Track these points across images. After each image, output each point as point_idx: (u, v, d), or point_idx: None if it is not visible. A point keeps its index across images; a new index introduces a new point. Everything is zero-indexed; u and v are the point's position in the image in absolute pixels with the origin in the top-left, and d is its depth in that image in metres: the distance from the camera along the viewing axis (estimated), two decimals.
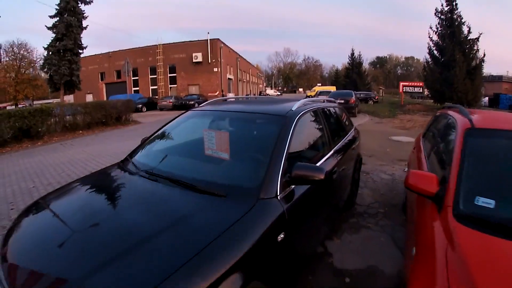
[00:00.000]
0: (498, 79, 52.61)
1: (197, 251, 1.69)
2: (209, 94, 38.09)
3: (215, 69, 41.88)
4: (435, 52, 27.85)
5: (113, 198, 2.53)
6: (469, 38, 25.65)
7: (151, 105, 33.40)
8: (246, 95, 57.82)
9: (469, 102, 25.10)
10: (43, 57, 29.60)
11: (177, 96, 35.19)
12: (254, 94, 65.45)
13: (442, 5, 26.88)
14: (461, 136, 2.62)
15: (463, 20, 25.85)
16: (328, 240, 3.99)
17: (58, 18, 26.86)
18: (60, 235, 2.00)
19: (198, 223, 1.99)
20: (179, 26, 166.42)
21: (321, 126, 3.66)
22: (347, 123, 5.09)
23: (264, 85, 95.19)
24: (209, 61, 41.41)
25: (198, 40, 42.21)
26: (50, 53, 27.33)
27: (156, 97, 39.62)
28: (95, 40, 60.47)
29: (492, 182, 2.29)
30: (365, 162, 7.44)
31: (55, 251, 1.85)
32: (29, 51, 54.12)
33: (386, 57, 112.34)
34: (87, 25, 28.52)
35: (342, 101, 20.04)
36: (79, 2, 27.41)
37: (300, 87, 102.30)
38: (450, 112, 3.69)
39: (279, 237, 2.16)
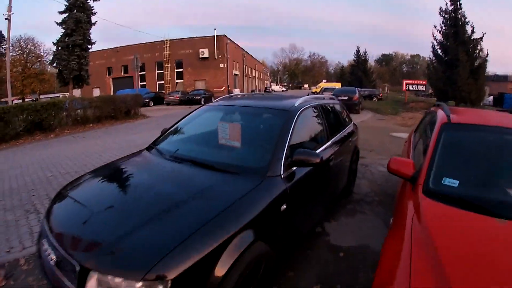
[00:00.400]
0: (504, 78, 52.71)
1: (217, 213, 2.18)
2: (215, 89, 38.50)
3: (221, 65, 42.27)
4: (439, 51, 27.85)
5: (146, 175, 3.01)
6: (472, 38, 25.62)
7: (158, 99, 33.92)
8: (252, 90, 58.16)
9: (472, 101, 25.13)
10: (50, 52, 30.08)
11: (184, 91, 35.67)
12: (260, 90, 65.70)
13: (446, 5, 26.89)
14: (437, 129, 3.10)
15: (467, 20, 25.79)
16: (327, 222, 4.44)
17: (67, 14, 27.28)
18: (103, 205, 2.48)
19: (218, 193, 2.49)
20: (186, 22, 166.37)
21: (320, 120, 4.14)
22: (345, 118, 5.52)
23: (270, 81, 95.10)
24: (216, 57, 41.80)
25: (205, 36, 42.60)
26: (60, 48, 27.81)
27: (163, 92, 40.17)
28: (102, 35, 61.02)
29: (459, 166, 2.76)
30: (365, 156, 7.87)
31: (98, 218, 2.31)
32: (36, 45, 54.70)
33: (391, 54, 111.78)
34: (96, 21, 29.00)
35: (346, 98, 20.29)
36: None
37: (306, 83, 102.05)
38: (436, 110, 4.12)
39: (282, 207, 2.66)
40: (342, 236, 4.12)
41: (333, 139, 4.26)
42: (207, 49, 41.59)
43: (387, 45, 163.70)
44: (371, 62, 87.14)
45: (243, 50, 54.87)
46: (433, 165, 2.67)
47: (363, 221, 4.58)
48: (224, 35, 42.56)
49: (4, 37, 45.99)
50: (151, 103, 32.16)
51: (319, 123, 4.11)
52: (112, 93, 39.79)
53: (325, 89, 31.54)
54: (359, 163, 6.74)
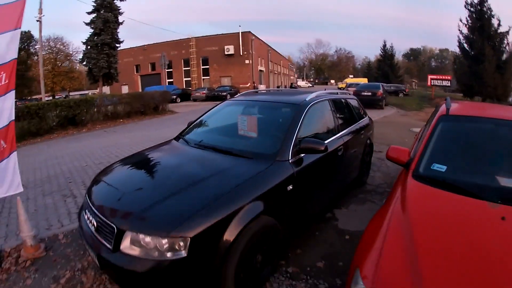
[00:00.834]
0: None
1: (230, 188, 2.69)
2: (241, 85, 38.86)
3: (247, 61, 42.58)
4: (465, 45, 27.39)
5: (174, 159, 3.57)
6: (499, 31, 25.10)
7: (185, 96, 34.68)
8: (277, 86, 58.37)
9: (498, 97, 24.65)
10: (79, 50, 31.04)
11: (210, 88, 36.24)
12: (285, 86, 65.67)
13: None
14: (435, 121, 3.37)
15: (493, 13, 25.25)
16: (337, 209, 4.74)
17: (95, 14, 28.20)
18: (136, 183, 3.09)
19: (233, 172, 2.98)
20: (211, 19, 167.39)
21: (330, 113, 4.48)
22: (359, 113, 5.80)
23: (296, 76, 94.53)
24: (241, 54, 42.12)
25: (230, 33, 42.96)
26: (89, 47, 28.78)
27: (190, 88, 40.89)
28: (130, 33, 62.26)
29: (450, 154, 3.03)
30: (382, 150, 8.07)
31: (132, 193, 2.85)
32: (65, 45, 56.49)
33: (420, 49, 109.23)
34: (123, 20, 29.79)
35: (369, 94, 20.28)
36: None
37: (332, 79, 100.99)
38: (441, 103, 4.37)
39: (288, 188, 3.07)
40: (350, 221, 4.41)
41: (343, 131, 4.57)
42: (232, 46, 41.96)
43: (416, 39, 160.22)
44: (399, 56, 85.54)
45: (269, 46, 54.99)
46: (425, 152, 2.96)
47: (371, 209, 4.84)
48: (249, 32, 42.82)
49: (33, 37, 47.83)
50: (178, 99, 32.89)
51: (329, 116, 4.45)
52: (140, 90, 40.73)
53: (350, 85, 31.52)
54: (376, 157, 6.99)
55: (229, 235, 2.41)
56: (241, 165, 3.12)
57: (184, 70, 46.13)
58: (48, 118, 13.55)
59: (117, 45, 29.79)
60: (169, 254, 2.25)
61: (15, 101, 3.55)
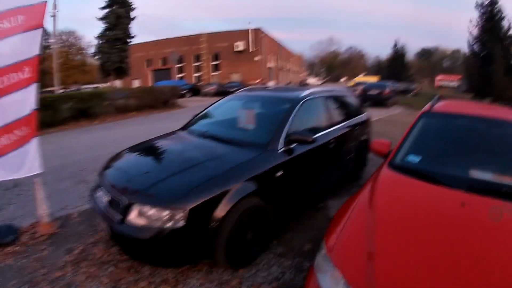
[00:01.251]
0: None
1: (227, 169, 3.15)
2: (250, 82, 39.13)
3: (257, 58, 42.88)
4: (475, 46, 27.25)
5: (178, 146, 4.03)
6: (509, 33, 25.00)
7: (195, 91, 35.03)
8: (288, 83, 58.48)
9: (509, 98, 24.51)
10: (91, 44, 31.57)
11: (220, 84, 36.57)
12: (295, 83, 65.71)
13: None
14: (417, 117, 3.67)
15: (503, 15, 25.18)
16: (330, 200, 5.06)
17: (108, 10, 28.78)
18: (145, 164, 3.66)
19: (228, 157, 3.39)
20: (222, 15, 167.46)
21: (323, 109, 4.83)
22: (355, 110, 6.10)
23: (306, 74, 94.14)
24: (251, 50, 42.44)
25: (240, 30, 43.29)
26: (101, 42, 29.41)
27: (200, 83, 41.22)
28: (142, 29, 62.71)
29: (426, 147, 3.32)
30: None
31: (140, 174, 3.31)
32: (77, 39, 57.26)
33: (432, 48, 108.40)
34: (135, 16, 30.35)
35: (376, 92, 20.46)
36: None
37: (343, 77, 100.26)
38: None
39: (277, 174, 3.45)
40: None
41: (336, 126, 4.90)
42: (242, 42, 42.30)
43: (429, 39, 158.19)
44: (411, 55, 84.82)
45: (279, 43, 55.16)
46: (403, 145, 3.26)
47: None
48: (259, 29, 43.08)
49: (47, 31, 48.52)
50: (188, 95, 33.30)
51: (322, 111, 4.79)
52: (151, 85, 41.27)
53: (358, 83, 31.66)
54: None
55: (221, 210, 2.83)
56: (236, 152, 3.51)
57: (194, 65, 46.56)
58: (61, 110, 14.00)
59: (129, 40, 30.42)
60: (169, 223, 2.66)
61: None
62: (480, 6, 26.40)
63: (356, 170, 5.91)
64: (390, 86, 22.59)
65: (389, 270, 1.78)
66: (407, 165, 2.97)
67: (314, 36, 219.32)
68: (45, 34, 48.50)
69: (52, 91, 23.55)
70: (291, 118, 3.91)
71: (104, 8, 28.92)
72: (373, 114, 12.26)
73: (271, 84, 42.20)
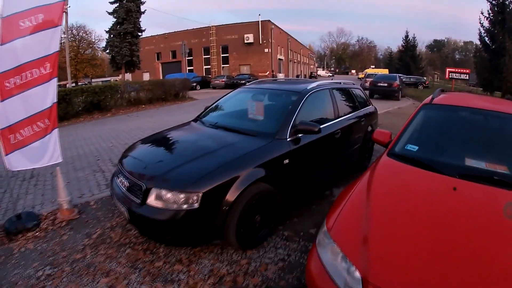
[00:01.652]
0: None
1: (238, 156, 3.37)
2: (260, 74, 39.20)
3: (266, 50, 42.82)
4: (486, 39, 26.76)
5: (192, 136, 4.25)
6: None
7: (204, 83, 35.35)
8: (297, 75, 58.38)
9: None
10: (101, 38, 31.77)
11: (229, 76, 36.72)
12: (305, 75, 65.53)
13: None
14: (418, 108, 3.82)
15: None
16: (336, 187, 5.25)
17: (118, 4, 29.02)
18: (162, 152, 4.00)
19: (239, 146, 3.60)
20: (231, 7, 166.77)
21: (330, 101, 4.98)
22: (362, 101, 6.25)
23: (316, 65, 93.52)
24: (260, 42, 42.35)
25: (250, 22, 43.20)
26: (112, 36, 29.72)
27: (210, 76, 41.52)
28: (151, 22, 62.87)
29: (424, 137, 3.48)
30: None
31: (156, 161, 3.58)
32: (87, 33, 57.61)
33: (444, 40, 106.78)
34: (145, 10, 30.54)
35: (386, 85, 20.38)
36: None
37: (353, 69, 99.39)
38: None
39: (284, 161, 3.66)
40: None
41: (342, 117, 5.07)
42: (252, 35, 42.23)
43: (440, 30, 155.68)
44: (422, 47, 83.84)
45: (288, 34, 54.98)
46: (403, 135, 3.42)
47: None
48: (269, 21, 42.97)
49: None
50: (198, 87, 33.57)
51: (328, 103, 4.95)
52: (161, 77, 41.56)
53: (368, 75, 31.57)
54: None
55: (232, 194, 3.07)
56: (246, 141, 3.72)
57: (204, 58, 46.68)
58: (74, 103, 14.34)
59: (139, 33, 30.60)
60: (185, 206, 2.91)
61: None
62: None
63: (362, 160, 6.06)
64: (400, 78, 22.44)
65: (382, 244, 1.99)
66: (405, 154, 3.12)
67: (324, 27, 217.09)
68: None
69: (64, 85, 24.00)
70: (298, 109, 4.11)
71: (114, 2, 29.14)
72: (382, 106, 12.38)
73: (280, 76, 42.26)
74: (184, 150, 3.76)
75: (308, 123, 3.92)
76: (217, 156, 3.39)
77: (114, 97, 16.44)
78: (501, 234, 2.00)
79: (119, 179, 3.58)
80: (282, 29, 50.48)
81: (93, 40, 57.79)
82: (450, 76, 30.59)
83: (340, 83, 5.84)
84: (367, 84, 23.29)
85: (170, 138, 4.28)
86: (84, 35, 57.00)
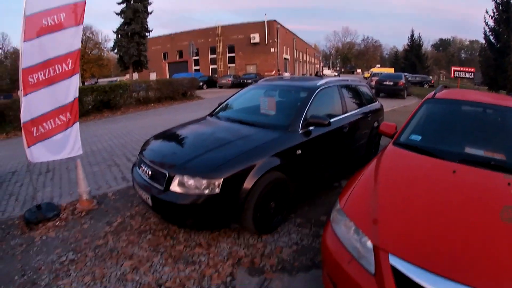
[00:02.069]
0: None
1: (254, 146, 3.61)
2: (266, 73, 39.34)
3: (272, 50, 42.97)
4: (491, 37, 26.69)
5: (209, 129, 4.49)
6: None
7: (211, 83, 35.60)
8: (303, 74, 58.44)
9: None
10: (107, 39, 31.96)
11: (236, 75, 36.91)
12: (310, 74, 65.49)
13: None
14: (421, 102, 4.04)
15: None
16: (344, 180, 5.40)
17: (125, 5, 29.33)
18: (183, 143, 4.15)
19: (254, 137, 3.83)
20: (237, 7, 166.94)
21: (338, 97, 5.18)
22: (368, 98, 6.42)
23: (321, 65, 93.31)
24: (266, 42, 42.50)
25: (256, 22, 43.36)
26: (120, 36, 30.06)
27: (216, 76, 41.75)
28: (157, 22, 63.19)
29: (427, 127, 3.68)
30: None
31: (181, 150, 3.92)
32: (94, 33, 58.20)
33: (449, 39, 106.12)
34: (152, 10, 30.86)
35: (391, 83, 20.44)
36: None
37: (359, 68, 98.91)
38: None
39: (297, 152, 3.86)
40: None
41: (350, 112, 5.25)
42: (257, 34, 42.38)
43: (446, 29, 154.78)
44: (427, 46, 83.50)
45: (294, 34, 55.08)
46: (407, 126, 3.63)
47: None
48: (275, 20, 43.10)
49: None
50: (205, 86, 33.78)
51: (337, 99, 5.14)
52: (167, 77, 41.80)
53: (374, 74, 31.63)
54: (387, 140, 7.53)
55: (249, 181, 3.29)
56: (260, 133, 3.93)
57: (210, 57, 46.91)
58: (84, 102, 14.59)
59: (147, 33, 30.88)
60: (206, 191, 3.14)
61: None
62: None
63: (368, 154, 6.19)
64: (405, 77, 22.46)
65: (389, 217, 2.22)
66: (410, 143, 3.34)
67: (329, 27, 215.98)
68: None
69: None
70: (309, 103, 4.32)
71: (121, 3, 29.45)
72: (388, 105, 12.48)
73: (286, 75, 42.34)
74: (203, 141, 3.94)
75: (319, 116, 4.12)
76: (235, 146, 3.61)
77: (124, 96, 16.68)
78: (492, 207, 2.22)
79: (142, 168, 3.78)
80: (287, 29, 50.60)
81: (100, 41, 58.37)
82: (456, 75, 30.49)
83: (347, 80, 6.02)
84: (373, 83, 23.34)
85: (189, 131, 4.51)
86: (90, 35, 57.62)
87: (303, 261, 3.17)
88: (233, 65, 45.57)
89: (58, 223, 4.16)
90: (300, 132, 4.00)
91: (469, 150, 3.15)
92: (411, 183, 2.64)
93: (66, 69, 4.11)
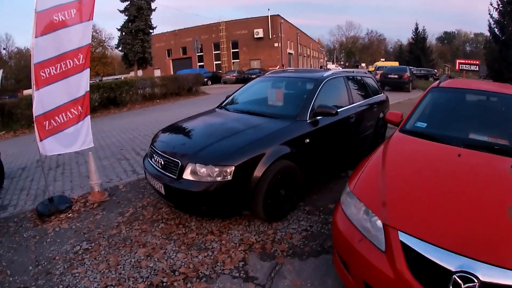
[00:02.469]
0: None
1: (264, 135, 3.72)
2: (270, 68, 39.31)
3: (276, 44, 42.97)
4: (495, 30, 26.14)
5: (219, 119, 4.60)
6: None
7: (215, 79, 35.76)
8: None
9: None
10: (111, 37, 32.05)
11: (240, 70, 36.99)
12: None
13: None
14: (426, 91, 4.10)
15: None
16: (350, 170, 5.44)
17: (129, 2, 29.45)
18: (194, 134, 4.20)
19: (264, 127, 3.94)
20: (240, 2, 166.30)
21: (344, 88, 5.24)
22: (374, 90, 6.47)
23: (325, 59, 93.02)
24: (270, 37, 42.51)
25: (259, 17, 43.34)
26: (124, 33, 30.18)
27: (220, 71, 41.87)
28: (161, 19, 63.21)
29: (432, 115, 3.75)
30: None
31: (192, 139, 4.05)
32: (97, 31, 58.40)
33: (454, 32, 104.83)
34: (156, 7, 30.98)
35: (396, 76, 20.44)
36: None
37: (363, 62, 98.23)
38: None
39: (305, 140, 3.94)
40: None
41: (356, 103, 5.31)
42: (261, 29, 42.37)
43: (450, 22, 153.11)
44: (432, 40, 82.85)
45: (298, 29, 54.98)
46: (413, 114, 3.69)
47: None
48: (278, 15, 43.06)
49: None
50: (209, 82, 33.95)
51: (343, 89, 5.21)
52: (172, 74, 41.89)
53: (379, 68, 31.57)
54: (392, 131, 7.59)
55: (260, 168, 3.39)
56: (270, 123, 4.02)
57: (214, 53, 46.99)
58: (91, 99, 14.69)
59: (151, 30, 30.98)
60: (219, 178, 3.24)
61: None
62: None
63: (375, 145, 6.22)
64: (410, 70, 22.38)
65: (397, 198, 2.31)
66: (415, 130, 3.41)
67: (333, 21, 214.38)
68: None
69: None
70: (316, 94, 4.39)
71: (125, 0, 29.55)
72: (393, 98, 12.48)
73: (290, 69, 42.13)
74: (214, 131, 4.02)
75: (326, 106, 4.17)
76: (245, 135, 3.70)
77: (129, 93, 16.81)
78: (496, 186, 2.32)
79: (154, 159, 3.86)
80: (291, 23, 50.53)
81: (103, 39, 58.59)
82: (461, 68, 30.19)
83: (353, 71, 6.13)
84: (378, 77, 23.31)
85: (199, 122, 4.60)
86: (94, 33, 57.77)
87: (313, 247, 3.25)
88: (237, 60, 45.62)
89: (70, 215, 4.25)
90: (308, 121, 4.07)
91: (473, 136, 3.25)
92: (417, 165, 2.75)
93: (78, 63, 4.19)
